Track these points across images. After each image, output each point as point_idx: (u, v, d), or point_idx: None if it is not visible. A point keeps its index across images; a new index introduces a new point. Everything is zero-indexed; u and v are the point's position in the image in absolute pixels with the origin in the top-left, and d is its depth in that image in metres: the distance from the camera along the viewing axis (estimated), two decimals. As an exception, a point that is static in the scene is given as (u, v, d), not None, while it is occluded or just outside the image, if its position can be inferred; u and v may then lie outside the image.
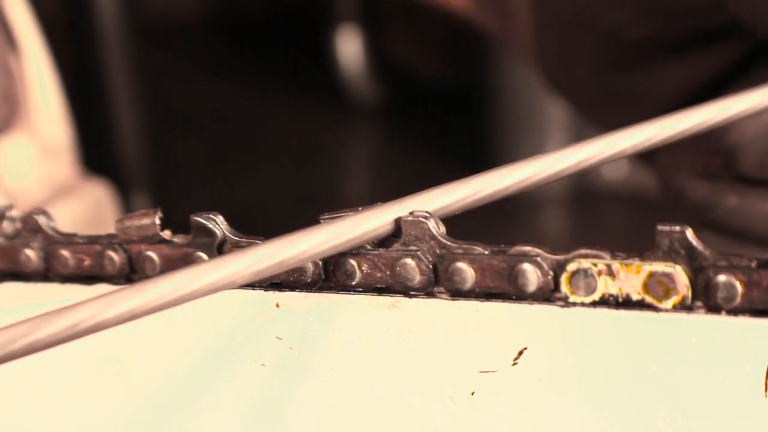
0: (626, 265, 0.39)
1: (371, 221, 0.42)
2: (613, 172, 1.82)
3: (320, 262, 0.43)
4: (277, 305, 0.44)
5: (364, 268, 0.43)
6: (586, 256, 0.40)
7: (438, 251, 0.42)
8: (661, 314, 0.39)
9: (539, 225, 1.85)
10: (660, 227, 0.39)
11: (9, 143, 0.75)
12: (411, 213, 0.42)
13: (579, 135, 1.85)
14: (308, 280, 0.43)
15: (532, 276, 0.40)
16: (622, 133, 0.45)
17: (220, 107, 2.23)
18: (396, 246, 0.42)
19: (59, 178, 0.80)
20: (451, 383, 0.43)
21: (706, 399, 0.39)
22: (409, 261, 0.42)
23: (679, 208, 0.64)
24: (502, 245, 0.41)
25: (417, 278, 0.42)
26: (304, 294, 0.44)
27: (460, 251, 0.41)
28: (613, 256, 0.40)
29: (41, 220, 0.48)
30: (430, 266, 0.42)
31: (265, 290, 0.44)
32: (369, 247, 0.42)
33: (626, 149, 0.45)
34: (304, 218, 0.43)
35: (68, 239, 0.47)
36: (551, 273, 0.40)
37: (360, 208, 0.42)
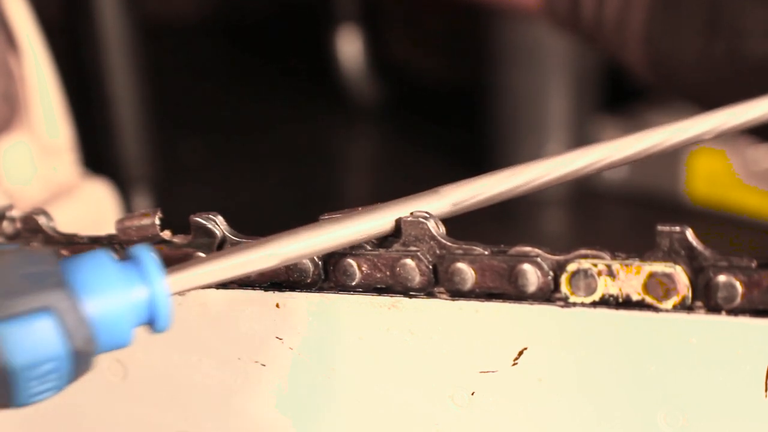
0: (626, 265, 0.39)
1: (371, 221, 0.42)
2: (613, 172, 1.81)
3: (320, 263, 0.43)
4: (277, 305, 0.44)
5: (363, 269, 0.43)
6: (586, 257, 0.40)
7: (438, 252, 0.42)
8: (661, 314, 0.39)
9: (539, 225, 1.85)
10: (660, 227, 0.39)
11: (9, 143, 0.75)
12: (411, 213, 0.42)
13: (578, 135, 1.85)
14: (308, 281, 0.43)
15: (532, 276, 0.40)
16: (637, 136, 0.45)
17: (220, 107, 2.23)
18: (396, 246, 0.42)
19: (59, 178, 0.80)
20: (451, 383, 0.43)
21: (706, 399, 0.39)
22: (409, 261, 0.42)
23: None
24: (502, 246, 0.41)
25: (417, 279, 0.42)
26: (304, 294, 0.44)
27: (460, 252, 0.41)
28: (613, 257, 0.40)
29: (41, 220, 0.47)
30: (430, 267, 0.42)
31: (265, 290, 0.44)
32: (369, 247, 0.42)
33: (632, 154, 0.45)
34: (304, 218, 0.42)
35: (68, 239, 0.47)
36: (551, 273, 0.40)
37: (360, 208, 0.42)
